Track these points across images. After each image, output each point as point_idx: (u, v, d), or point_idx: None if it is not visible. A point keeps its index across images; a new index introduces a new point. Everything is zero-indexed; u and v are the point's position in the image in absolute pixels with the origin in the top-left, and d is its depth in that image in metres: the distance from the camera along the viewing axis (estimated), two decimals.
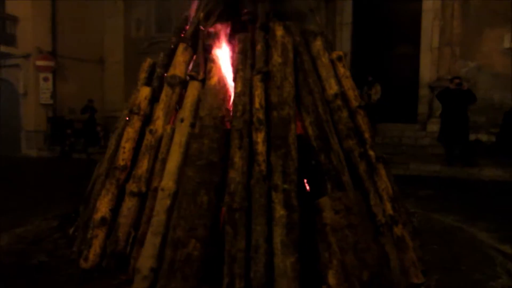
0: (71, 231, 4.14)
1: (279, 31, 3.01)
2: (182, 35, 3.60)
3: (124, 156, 3.32)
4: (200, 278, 2.52)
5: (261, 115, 2.80)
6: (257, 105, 2.83)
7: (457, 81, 7.44)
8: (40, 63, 12.43)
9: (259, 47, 2.98)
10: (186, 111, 3.11)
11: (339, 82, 3.18)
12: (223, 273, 2.48)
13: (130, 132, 3.37)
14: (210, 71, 3.12)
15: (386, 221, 2.84)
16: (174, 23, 12.98)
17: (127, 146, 3.34)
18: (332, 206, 2.61)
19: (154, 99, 3.46)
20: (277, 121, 2.80)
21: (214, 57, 3.16)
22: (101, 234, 3.17)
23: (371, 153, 3.04)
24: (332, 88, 3.10)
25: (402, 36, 10.19)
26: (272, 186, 2.66)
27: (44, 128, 12.76)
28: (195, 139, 2.87)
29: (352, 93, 3.20)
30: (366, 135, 3.10)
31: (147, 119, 3.41)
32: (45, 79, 12.56)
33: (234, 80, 2.99)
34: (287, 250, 2.52)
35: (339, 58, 3.26)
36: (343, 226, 2.56)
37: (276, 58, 2.94)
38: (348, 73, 3.26)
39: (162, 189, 2.91)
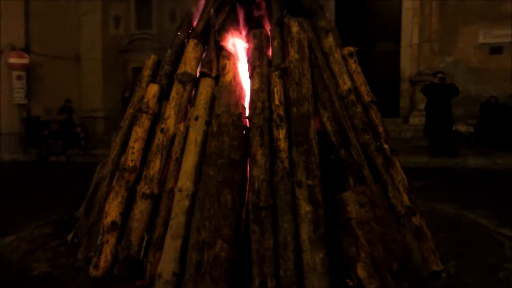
0: (69, 237, 3.98)
1: (295, 27, 3.00)
2: (190, 31, 3.52)
3: (133, 156, 3.22)
4: (229, 279, 2.48)
5: (281, 111, 2.78)
6: (277, 101, 2.81)
7: (440, 75, 7.70)
8: (13, 60, 11.85)
9: (275, 43, 2.96)
10: (200, 109, 3.05)
11: (351, 77, 3.21)
12: (252, 273, 2.45)
13: (139, 132, 3.27)
14: (224, 67, 3.08)
15: (405, 212, 2.90)
16: (155, 19, 12.74)
17: (136, 146, 3.24)
18: (357, 199, 2.63)
19: (162, 97, 3.38)
20: (297, 117, 2.79)
21: (228, 53, 3.11)
22: (112, 239, 3.07)
23: (386, 146, 3.08)
24: (345, 83, 3.12)
25: (383, 33, 10.42)
26: (296, 183, 2.65)
27: (19, 129, 12.21)
28: (214, 137, 2.82)
29: (364, 89, 3.24)
30: (380, 129, 3.14)
31: (156, 118, 3.33)
32: (19, 78, 12.00)
33: (251, 76, 2.95)
34: (316, 246, 2.53)
35: (351, 54, 3.29)
36: (369, 219, 2.59)
37: (293, 55, 2.93)
38: (359, 69, 3.29)
39: (180, 190, 2.84)
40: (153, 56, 3.81)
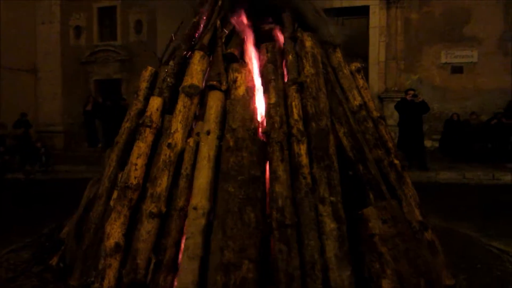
0: (53, 262, 3.64)
1: (308, 42, 2.98)
2: (193, 42, 3.40)
3: (136, 173, 3.01)
4: None
5: (301, 126, 2.73)
6: (296, 116, 2.75)
7: (411, 92, 8.06)
8: None
9: (290, 57, 2.92)
10: (212, 123, 2.92)
11: (359, 93, 3.23)
12: None
13: (142, 147, 3.07)
14: (235, 80, 2.98)
15: (419, 227, 2.92)
16: (119, 30, 12.33)
17: (139, 162, 3.03)
18: (379, 215, 2.61)
19: (164, 111, 3.21)
20: (317, 133, 2.74)
21: (238, 66, 3.02)
22: (115, 263, 2.82)
23: (397, 161, 3.11)
24: (356, 99, 3.14)
25: (351, 51, 10.77)
26: (318, 199, 2.59)
27: None
28: (231, 152, 2.69)
29: (372, 104, 3.27)
30: (390, 144, 3.17)
31: (159, 132, 3.15)
32: None
33: (266, 90, 2.88)
34: (342, 264, 2.46)
35: (358, 70, 3.32)
36: (392, 235, 2.57)
37: (309, 69, 2.90)
38: (366, 85, 3.33)
39: (195, 208, 2.67)
40: (150, 68, 3.63)
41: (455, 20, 10.27)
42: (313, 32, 3.24)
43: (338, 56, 3.23)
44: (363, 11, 10.68)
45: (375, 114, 3.23)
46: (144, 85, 3.54)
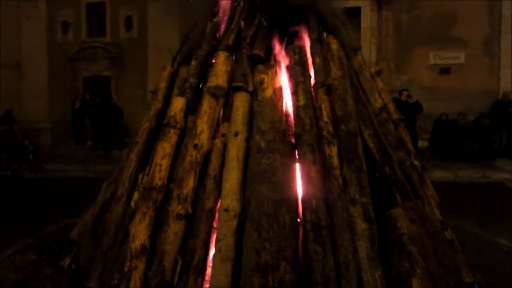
0: (65, 263, 3.58)
1: (334, 45, 3.02)
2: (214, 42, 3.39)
3: (161, 174, 2.98)
4: None
5: (331, 128, 2.77)
6: (325, 118, 2.79)
7: (405, 93, 8.25)
8: None
9: (317, 59, 2.96)
10: (239, 124, 2.92)
11: (380, 95, 3.30)
12: None
13: (167, 148, 3.04)
14: (262, 82, 2.99)
15: (440, 226, 3.01)
16: (109, 27, 12.08)
17: (164, 163, 3.00)
18: (407, 215, 2.69)
19: (187, 111, 3.19)
20: (346, 135, 2.79)
21: (264, 67, 3.03)
22: (141, 265, 2.79)
23: (417, 162, 3.20)
24: (377, 101, 3.21)
25: None
26: (350, 200, 2.64)
27: None
28: (263, 154, 2.71)
29: (391, 106, 3.35)
30: (410, 146, 3.26)
31: (183, 133, 3.13)
32: None
33: (295, 92, 2.90)
34: (374, 264, 2.52)
35: (378, 73, 3.39)
36: (421, 234, 2.65)
37: (336, 72, 2.94)
38: (385, 87, 3.40)
39: (226, 210, 2.68)
40: (168, 67, 3.60)
41: (443, 23, 10.55)
42: (334, 34, 3.29)
43: (358, 58, 3.29)
44: (354, 12, 10.84)
45: (395, 116, 3.30)
46: (163, 84, 3.50)
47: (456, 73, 10.42)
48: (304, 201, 2.61)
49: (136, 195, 3.14)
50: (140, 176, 3.22)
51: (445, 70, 10.45)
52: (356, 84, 3.11)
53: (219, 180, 2.86)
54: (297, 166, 2.73)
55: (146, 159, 3.31)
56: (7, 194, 7.80)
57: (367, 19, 10.63)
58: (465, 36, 10.46)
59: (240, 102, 3.00)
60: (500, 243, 3.87)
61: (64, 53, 12.11)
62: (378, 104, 3.18)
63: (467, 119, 9.76)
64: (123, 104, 11.42)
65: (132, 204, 3.15)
